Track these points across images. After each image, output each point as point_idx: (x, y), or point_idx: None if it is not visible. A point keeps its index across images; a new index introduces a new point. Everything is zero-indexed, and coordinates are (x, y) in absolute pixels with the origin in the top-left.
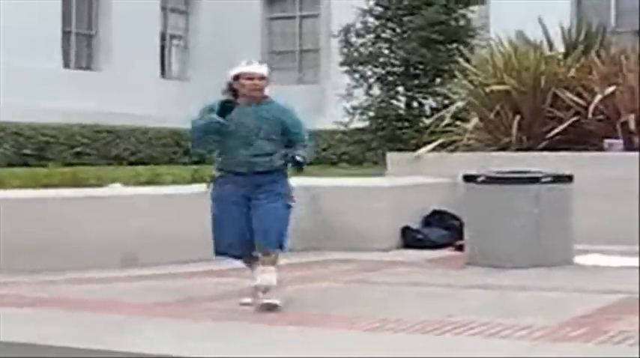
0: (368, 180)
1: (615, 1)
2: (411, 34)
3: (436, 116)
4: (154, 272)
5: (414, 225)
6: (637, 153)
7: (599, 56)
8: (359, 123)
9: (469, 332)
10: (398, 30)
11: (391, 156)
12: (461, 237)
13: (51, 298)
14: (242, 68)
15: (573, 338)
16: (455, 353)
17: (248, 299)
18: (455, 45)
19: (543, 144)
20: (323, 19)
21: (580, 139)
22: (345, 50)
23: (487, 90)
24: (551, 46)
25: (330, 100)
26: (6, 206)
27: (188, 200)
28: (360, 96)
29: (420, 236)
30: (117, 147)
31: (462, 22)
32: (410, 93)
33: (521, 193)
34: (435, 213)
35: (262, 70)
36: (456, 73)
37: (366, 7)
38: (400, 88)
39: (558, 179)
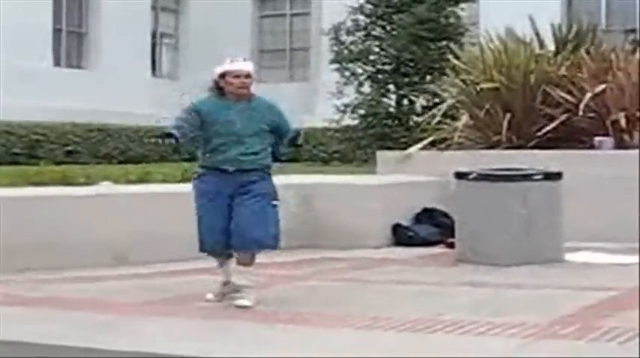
0: (358, 178)
1: (606, 1)
2: (402, 32)
3: (427, 114)
4: (145, 270)
5: (405, 223)
6: (627, 151)
7: (589, 54)
8: (349, 121)
9: (459, 330)
10: (388, 28)
11: (381, 154)
12: (452, 235)
13: (43, 297)
14: (228, 66)
15: (564, 336)
16: (445, 352)
17: (212, 296)
18: (445, 42)
19: (534, 142)
20: (313, 17)
21: (570, 137)
22: (336, 48)
23: (477, 88)
24: (541, 43)
25: (320, 98)
26: None
27: (178, 198)
28: (350, 94)
29: (410, 233)
30: (107, 146)
31: (452, 20)
32: (400, 91)
33: (512, 191)
34: (425, 210)
35: (248, 67)
36: (447, 70)
37: (356, 5)
38: (391, 86)
39: (548, 176)
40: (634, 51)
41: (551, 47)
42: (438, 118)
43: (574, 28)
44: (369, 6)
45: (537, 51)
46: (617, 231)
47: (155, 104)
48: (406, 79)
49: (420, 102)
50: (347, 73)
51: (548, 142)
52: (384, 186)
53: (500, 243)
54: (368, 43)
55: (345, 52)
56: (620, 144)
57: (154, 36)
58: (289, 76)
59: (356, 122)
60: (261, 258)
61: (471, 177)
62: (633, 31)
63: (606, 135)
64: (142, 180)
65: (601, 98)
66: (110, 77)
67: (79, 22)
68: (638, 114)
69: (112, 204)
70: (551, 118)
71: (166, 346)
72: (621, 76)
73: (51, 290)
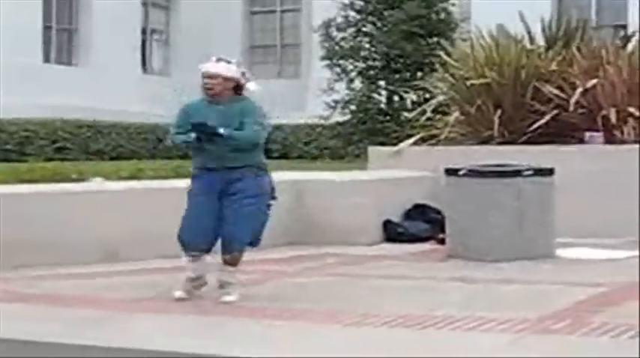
0: (350, 174)
1: None
2: (392, 28)
3: (417, 110)
4: (138, 267)
5: (396, 219)
6: (618, 146)
7: (579, 50)
8: (340, 117)
9: (451, 325)
10: (379, 24)
11: (372, 150)
12: (443, 231)
13: (36, 294)
14: (202, 66)
15: (555, 331)
16: (437, 347)
17: (181, 293)
18: (436, 39)
19: (525, 137)
20: (304, 14)
21: (561, 132)
22: (326, 44)
23: (468, 84)
24: (532, 39)
25: (311, 94)
26: None
27: (170, 195)
28: (341, 91)
29: (401, 229)
30: (98, 142)
31: (442, 16)
32: (391, 87)
33: (503, 186)
34: (416, 206)
35: (218, 69)
36: (437, 66)
37: (346, 1)
38: (381, 82)
39: (539, 172)
40: (624, 46)
41: (542, 43)
42: (428, 114)
43: (564, 25)
44: (360, 2)
45: (528, 47)
46: (608, 227)
47: (146, 101)
48: (397, 75)
49: (411, 98)
50: (338, 70)
51: (539, 138)
52: (375, 181)
53: (491, 238)
54: (359, 39)
55: (336, 48)
56: (610, 140)
57: (144, 32)
58: (280, 73)
59: (347, 118)
60: (252, 254)
61: (461, 173)
62: (623, 26)
63: (597, 130)
64: (133, 176)
65: (592, 94)
66: (101, 74)
67: (69, 19)
68: (628, 109)
69: (103, 200)
70: (542, 114)
71: (160, 342)
72: (612, 72)
73: (45, 287)
